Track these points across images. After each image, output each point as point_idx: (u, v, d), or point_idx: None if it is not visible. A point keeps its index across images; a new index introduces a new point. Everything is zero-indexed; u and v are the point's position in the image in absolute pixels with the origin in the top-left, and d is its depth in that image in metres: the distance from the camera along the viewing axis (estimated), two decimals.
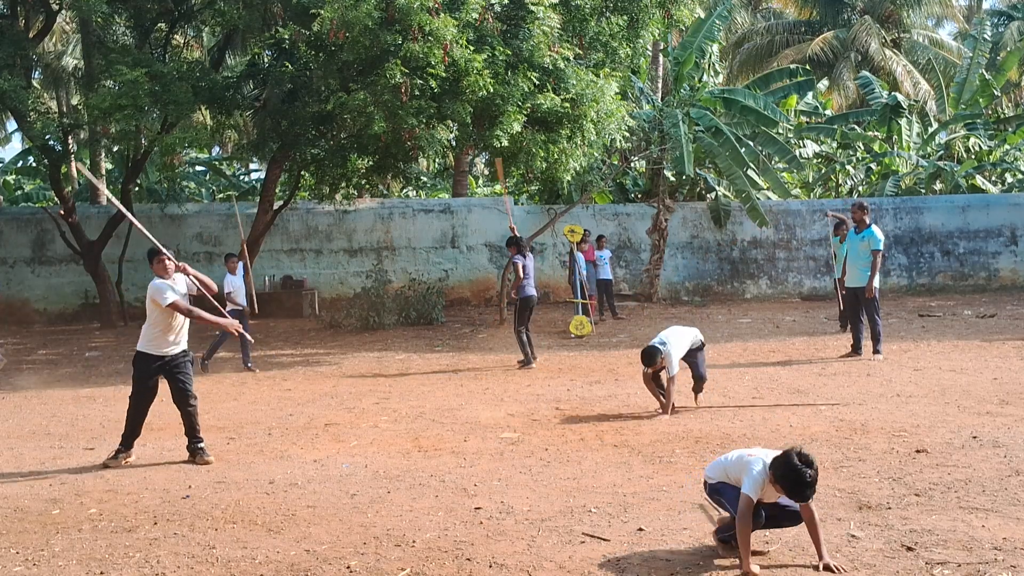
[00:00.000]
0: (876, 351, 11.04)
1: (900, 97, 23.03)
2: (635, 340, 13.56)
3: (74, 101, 26.15)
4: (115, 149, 18.76)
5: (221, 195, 29.08)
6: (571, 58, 12.63)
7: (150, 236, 7.31)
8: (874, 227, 11.22)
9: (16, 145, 43.98)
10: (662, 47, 20.55)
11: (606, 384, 10.03)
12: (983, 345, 11.91)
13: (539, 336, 12.14)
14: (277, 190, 17.54)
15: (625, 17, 13.84)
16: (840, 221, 13.37)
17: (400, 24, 11.33)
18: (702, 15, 19.55)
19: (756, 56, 30.52)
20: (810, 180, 24.56)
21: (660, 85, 22.22)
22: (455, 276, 19.53)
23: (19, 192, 32.19)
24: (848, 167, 23.74)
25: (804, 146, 23.46)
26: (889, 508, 5.30)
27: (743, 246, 20.37)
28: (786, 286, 20.22)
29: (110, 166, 27.20)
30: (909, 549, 4.63)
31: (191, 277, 7.09)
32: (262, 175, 21.03)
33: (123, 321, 17.46)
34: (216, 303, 7.57)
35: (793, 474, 4.26)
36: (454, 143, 14.37)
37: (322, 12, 11.33)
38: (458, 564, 4.66)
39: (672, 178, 20.23)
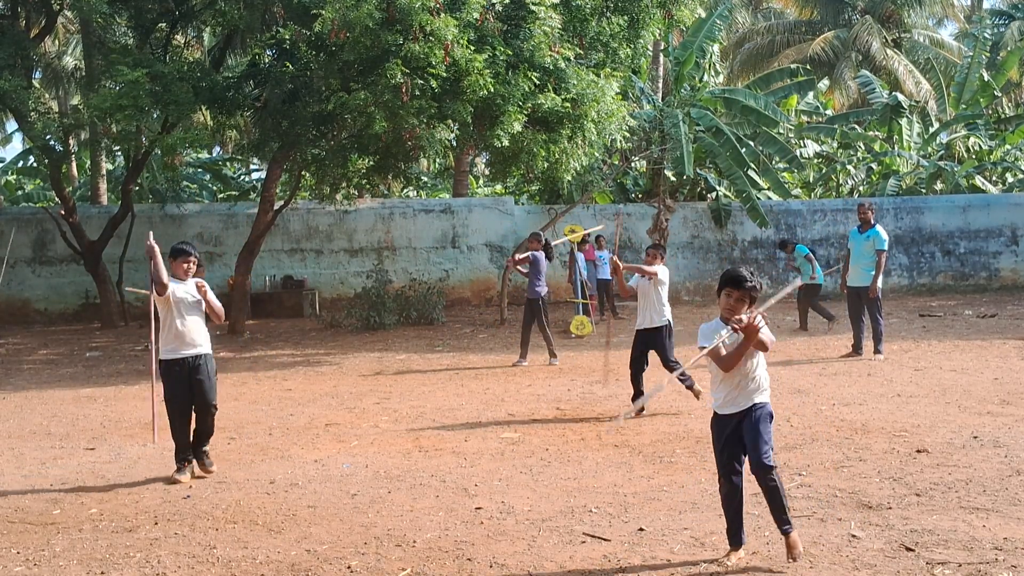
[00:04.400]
0: (877, 351, 11.03)
1: (901, 97, 23.03)
2: None
3: (74, 101, 26.16)
4: (116, 149, 18.75)
5: (222, 195, 29.10)
6: (572, 58, 12.63)
7: None
8: (879, 227, 11.21)
9: (17, 145, 44.08)
10: (663, 47, 20.56)
11: (607, 384, 10.03)
12: (984, 345, 11.91)
13: (540, 336, 12.15)
14: (278, 190, 17.54)
15: (626, 17, 13.83)
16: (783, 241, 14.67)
17: (401, 24, 11.32)
18: (703, 15, 19.54)
19: (757, 56, 30.53)
20: (811, 180, 24.57)
21: (661, 85, 22.24)
22: (455, 276, 19.54)
23: (20, 192, 32.22)
24: (849, 167, 23.74)
25: (805, 146, 23.47)
26: (890, 508, 5.30)
27: (744, 246, 20.37)
28: (786, 286, 20.21)
29: (111, 166, 27.21)
30: (910, 549, 4.63)
31: (205, 299, 6.63)
32: (262, 175, 21.04)
33: (124, 321, 17.47)
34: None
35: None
36: (455, 143, 14.36)
37: (323, 12, 11.32)
38: (459, 564, 4.66)
39: (672, 178, 20.23)
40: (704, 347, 4.54)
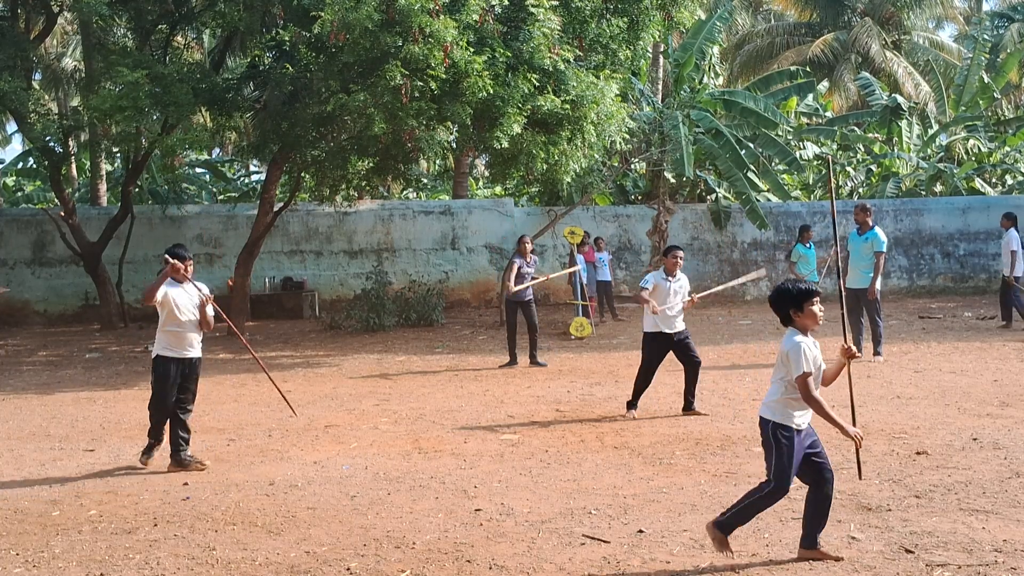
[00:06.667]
0: (876, 353, 11.04)
1: (900, 99, 23.03)
2: (635, 342, 13.52)
3: (74, 103, 26.16)
4: (115, 151, 18.76)
5: (222, 197, 29.11)
6: (571, 60, 12.63)
7: None
8: (877, 229, 11.22)
9: (16, 146, 44.02)
10: (662, 49, 20.56)
11: (606, 386, 10.03)
12: (983, 347, 11.91)
13: (540, 338, 12.14)
14: (277, 191, 17.54)
15: (625, 19, 13.82)
16: (806, 226, 14.16)
17: (400, 26, 11.33)
18: (703, 17, 19.54)
19: (756, 58, 30.52)
20: (810, 182, 24.56)
21: (660, 87, 22.23)
22: (455, 278, 19.53)
23: (19, 193, 32.20)
24: (848, 169, 23.75)
25: (804, 148, 23.46)
26: (889, 510, 5.30)
27: (743, 248, 20.37)
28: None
29: (110, 168, 27.21)
30: (909, 551, 4.63)
31: (206, 306, 6.97)
32: (262, 177, 21.03)
33: (123, 323, 17.45)
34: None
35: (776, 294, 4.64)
36: (454, 144, 14.36)
37: (322, 14, 11.32)
38: (458, 566, 4.66)
39: (672, 180, 20.24)
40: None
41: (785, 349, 4.57)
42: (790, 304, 4.61)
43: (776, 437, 4.55)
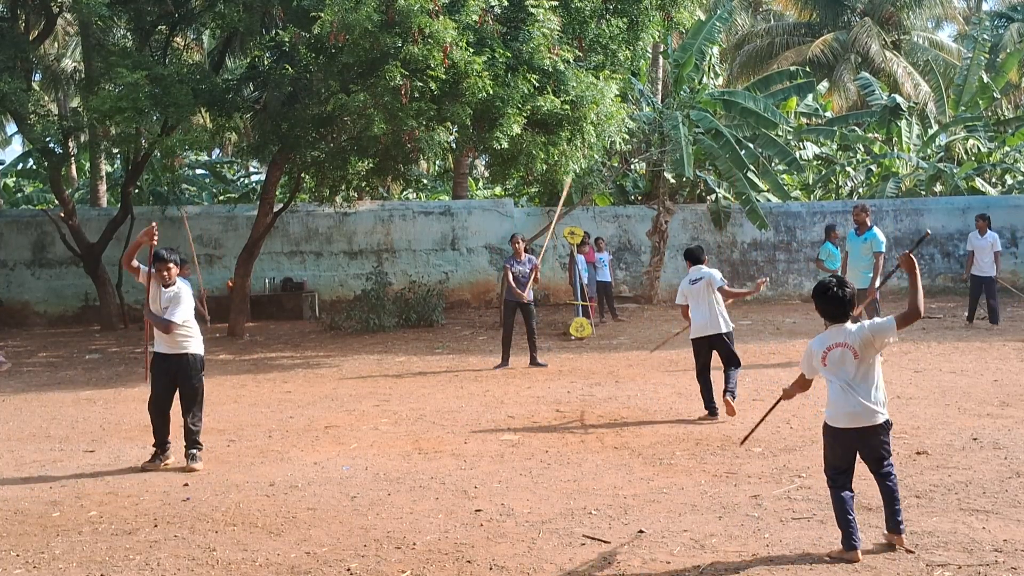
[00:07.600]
0: None
1: (900, 99, 23.03)
2: (635, 342, 13.57)
3: (74, 103, 26.17)
4: (115, 152, 18.76)
5: (222, 197, 29.13)
6: (571, 60, 12.64)
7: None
8: (876, 229, 11.21)
9: (16, 147, 44.07)
10: (662, 49, 20.57)
11: (606, 386, 10.03)
12: (983, 347, 11.91)
13: (540, 338, 12.17)
14: (277, 192, 17.54)
15: (625, 19, 13.84)
16: (831, 225, 13.91)
17: (400, 26, 11.34)
18: (702, 17, 19.53)
19: (756, 58, 30.52)
20: (810, 182, 24.57)
21: (660, 87, 22.24)
22: (455, 278, 19.53)
23: (19, 194, 32.20)
24: (848, 169, 23.75)
25: (804, 148, 23.46)
26: None
27: (743, 248, 20.37)
28: (786, 288, 20.23)
29: (110, 168, 27.23)
30: (909, 551, 4.63)
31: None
32: (262, 177, 21.02)
33: (123, 324, 17.45)
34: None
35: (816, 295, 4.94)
36: (454, 145, 14.36)
37: (322, 15, 11.33)
38: (458, 566, 4.66)
39: (672, 180, 20.24)
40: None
41: (870, 336, 4.87)
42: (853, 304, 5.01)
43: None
